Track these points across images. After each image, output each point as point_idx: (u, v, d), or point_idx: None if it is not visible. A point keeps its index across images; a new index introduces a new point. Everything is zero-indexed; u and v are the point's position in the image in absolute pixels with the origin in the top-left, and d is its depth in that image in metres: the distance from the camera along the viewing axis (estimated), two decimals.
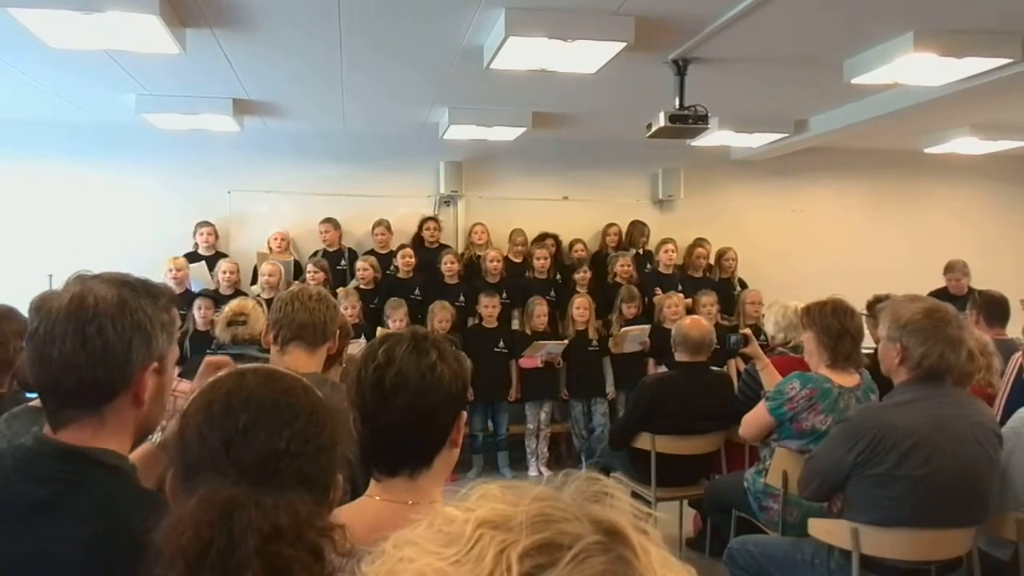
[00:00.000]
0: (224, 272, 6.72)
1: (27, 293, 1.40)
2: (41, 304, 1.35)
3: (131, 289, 1.38)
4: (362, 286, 6.88)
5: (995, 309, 4.69)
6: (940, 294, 6.11)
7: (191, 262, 6.94)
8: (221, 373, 1.47)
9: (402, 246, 7.28)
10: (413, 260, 7.08)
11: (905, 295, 3.02)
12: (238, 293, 6.36)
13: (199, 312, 6.15)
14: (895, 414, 2.74)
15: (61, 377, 1.33)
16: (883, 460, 2.68)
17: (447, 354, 1.56)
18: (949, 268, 6.72)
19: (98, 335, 1.31)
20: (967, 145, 7.60)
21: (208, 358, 1.64)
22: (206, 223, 7.21)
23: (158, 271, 6.29)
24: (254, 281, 6.89)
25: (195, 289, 6.75)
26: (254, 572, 0.94)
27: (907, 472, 2.67)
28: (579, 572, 0.55)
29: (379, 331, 5.60)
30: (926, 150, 7.93)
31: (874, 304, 4.42)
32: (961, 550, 2.82)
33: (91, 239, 6.98)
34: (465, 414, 1.59)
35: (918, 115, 6.02)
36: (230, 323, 3.52)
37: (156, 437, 1.63)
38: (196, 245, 7.18)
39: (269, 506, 1.00)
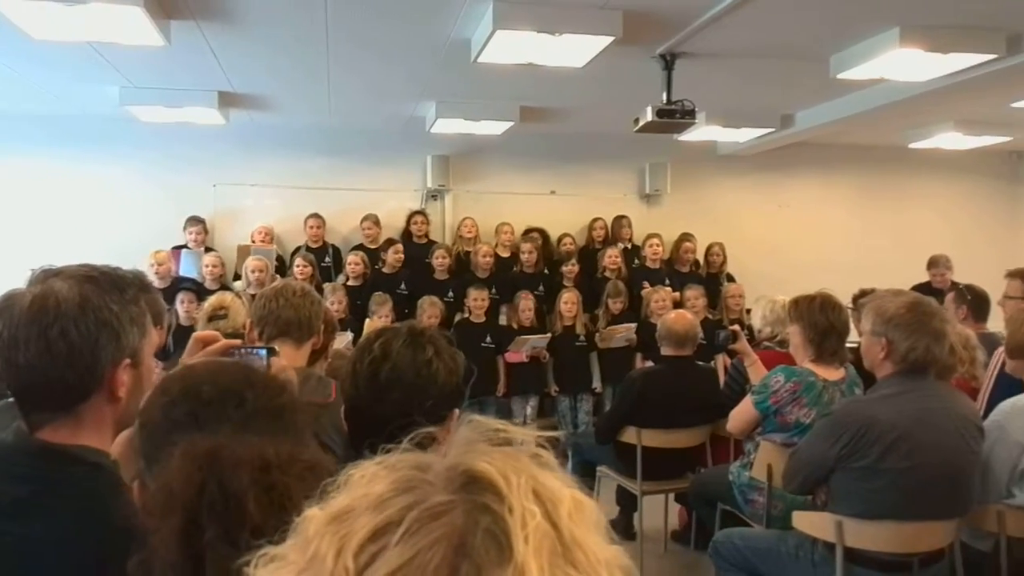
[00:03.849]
0: (208, 266, 6.68)
1: (9, 287, 1.37)
2: (3, 307, 1.31)
3: (95, 285, 1.33)
4: (351, 281, 6.86)
5: (982, 305, 4.73)
6: (923, 288, 6.14)
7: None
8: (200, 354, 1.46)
9: (391, 241, 7.26)
10: (403, 256, 7.07)
11: (888, 290, 3.03)
12: (223, 288, 6.32)
13: (182, 306, 6.10)
14: (879, 408, 2.76)
15: (29, 382, 1.30)
16: (867, 453, 2.70)
17: (443, 350, 1.55)
18: (933, 263, 6.77)
19: (61, 338, 1.27)
20: (951, 140, 7.66)
21: (196, 333, 1.62)
22: (196, 220, 7.16)
23: (142, 265, 6.24)
24: (236, 277, 6.85)
25: (184, 273, 6.77)
26: (255, 499, 0.93)
27: (890, 465, 2.68)
28: (412, 547, 0.53)
29: (367, 324, 5.58)
30: (910, 145, 7.98)
31: (860, 298, 4.45)
32: (943, 542, 2.85)
33: (74, 232, 6.91)
34: (458, 411, 1.58)
35: (903, 110, 6.06)
36: (211, 318, 3.52)
37: None
38: (187, 243, 7.14)
39: (254, 442, 0.99)
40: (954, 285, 5.50)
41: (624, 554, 0.60)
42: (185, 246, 7.12)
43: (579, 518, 0.58)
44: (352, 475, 0.61)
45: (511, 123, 6.72)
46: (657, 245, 7.51)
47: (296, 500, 0.91)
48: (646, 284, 7.15)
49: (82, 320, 1.29)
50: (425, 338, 1.56)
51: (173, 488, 0.94)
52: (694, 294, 6.75)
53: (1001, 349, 3.54)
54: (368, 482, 0.59)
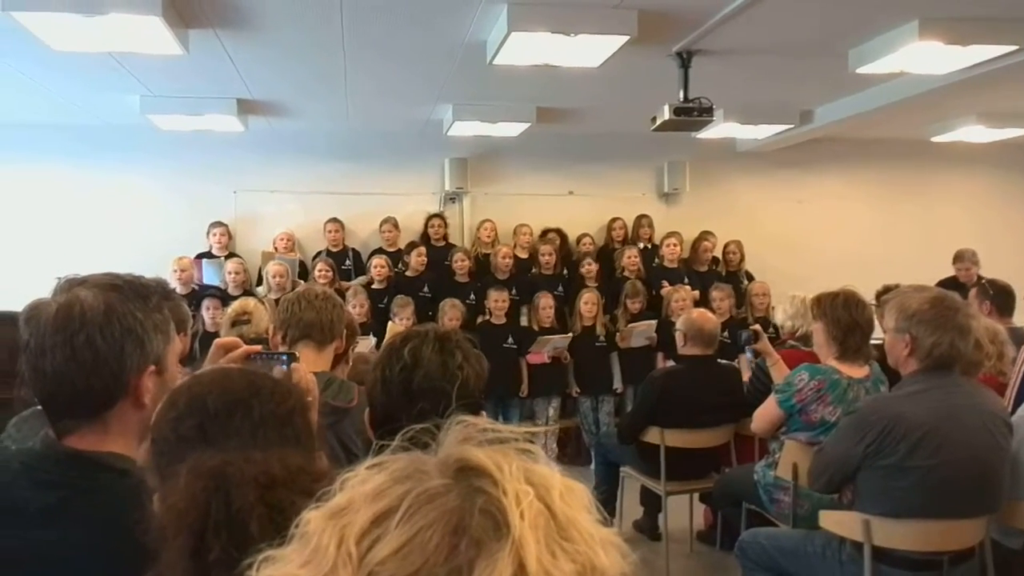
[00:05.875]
0: (231, 273, 6.73)
1: (35, 296, 1.39)
2: (30, 315, 1.33)
3: (119, 293, 1.34)
4: (376, 285, 6.89)
5: (1006, 299, 4.69)
6: (949, 283, 6.08)
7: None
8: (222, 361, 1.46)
9: (412, 244, 7.28)
10: (425, 259, 7.10)
11: (911, 285, 3.00)
12: (246, 293, 6.36)
13: (207, 313, 6.15)
14: (904, 405, 2.73)
15: (56, 389, 1.32)
16: (893, 451, 2.67)
17: (471, 356, 1.57)
18: (959, 257, 6.70)
19: (87, 346, 1.29)
20: (974, 133, 7.56)
21: (217, 340, 1.62)
22: (219, 224, 7.24)
23: (165, 273, 6.30)
24: (259, 282, 6.90)
25: (207, 282, 6.82)
26: (259, 519, 0.93)
27: (917, 463, 2.66)
28: (412, 527, 0.55)
29: (389, 327, 5.59)
30: (933, 139, 7.89)
31: (883, 294, 4.40)
32: (973, 540, 2.81)
33: (97, 241, 6.99)
34: (484, 414, 1.59)
35: (924, 104, 5.99)
36: (234, 323, 3.55)
37: None
38: (211, 246, 7.21)
39: (259, 459, 0.99)
40: (978, 280, 5.45)
41: (617, 535, 0.61)
42: (208, 253, 7.18)
43: (571, 499, 0.60)
44: (347, 479, 0.63)
45: (528, 124, 6.71)
46: (675, 244, 7.47)
47: None
48: (665, 283, 7.12)
49: (107, 328, 1.31)
50: (453, 343, 1.57)
51: (180, 508, 0.94)
52: (721, 295, 6.71)
53: None
54: (363, 481, 0.61)
